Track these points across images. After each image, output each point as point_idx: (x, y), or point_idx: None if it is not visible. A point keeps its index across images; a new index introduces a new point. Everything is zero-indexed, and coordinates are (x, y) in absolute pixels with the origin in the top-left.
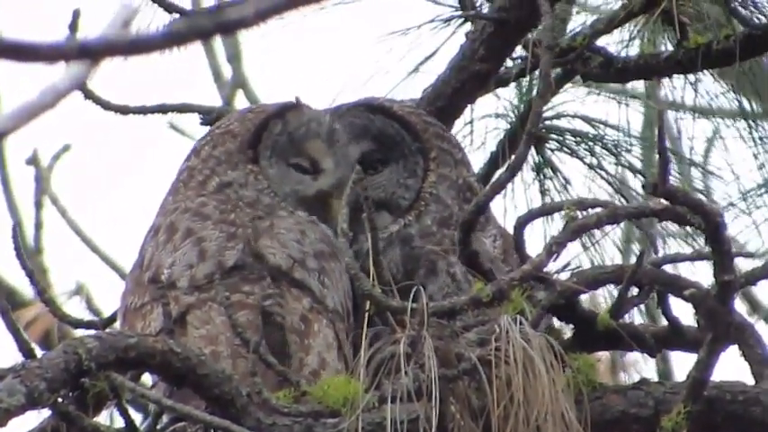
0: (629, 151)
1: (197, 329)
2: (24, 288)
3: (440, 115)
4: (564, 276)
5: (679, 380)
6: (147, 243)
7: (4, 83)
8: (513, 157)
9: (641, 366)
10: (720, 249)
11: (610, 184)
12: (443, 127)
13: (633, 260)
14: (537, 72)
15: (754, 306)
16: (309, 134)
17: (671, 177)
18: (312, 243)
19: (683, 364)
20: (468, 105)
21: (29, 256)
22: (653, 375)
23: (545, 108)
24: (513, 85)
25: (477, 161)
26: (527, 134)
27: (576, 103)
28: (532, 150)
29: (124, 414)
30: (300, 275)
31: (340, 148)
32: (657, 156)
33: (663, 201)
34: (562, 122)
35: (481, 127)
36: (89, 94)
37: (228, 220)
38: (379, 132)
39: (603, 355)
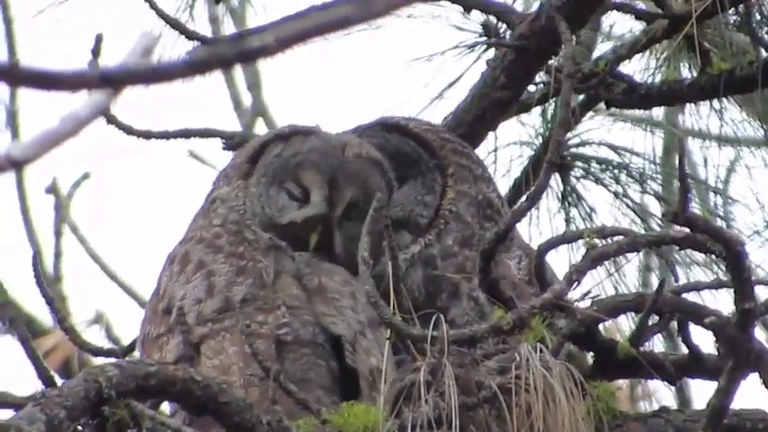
0: (653, 179)
1: (210, 360)
2: (43, 316)
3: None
4: (584, 304)
5: (698, 408)
6: (163, 272)
7: (26, 110)
8: (534, 185)
9: (660, 395)
10: (741, 277)
11: (635, 212)
12: (462, 143)
13: (653, 288)
14: (559, 99)
15: None
16: (307, 163)
17: (692, 205)
18: (364, 309)
19: (702, 392)
20: (490, 132)
21: (48, 285)
22: (672, 404)
23: (570, 135)
24: (536, 110)
25: (503, 188)
26: (547, 162)
27: (601, 130)
28: (557, 178)
29: None
30: (366, 344)
31: (340, 186)
32: (678, 183)
33: (684, 228)
34: (587, 150)
35: (506, 154)
36: (112, 120)
37: (238, 253)
38: (396, 150)
39: (624, 383)
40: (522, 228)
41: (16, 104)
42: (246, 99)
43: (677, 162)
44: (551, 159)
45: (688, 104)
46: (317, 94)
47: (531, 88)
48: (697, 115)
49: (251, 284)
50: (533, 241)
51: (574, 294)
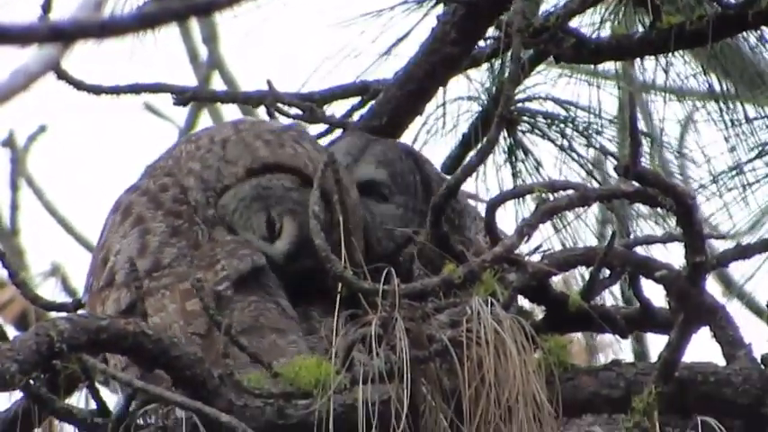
0: (599, 133)
1: (150, 317)
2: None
3: (411, 98)
4: (535, 258)
5: (650, 361)
6: (108, 218)
7: None
8: (484, 140)
9: (617, 348)
10: (692, 231)
11: (581, 166)
12: (453, 208)
13: (605, 242)
14: (509, 54)
15: (729, 286)
16: (294, 212)
17: (642, 160)
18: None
19: (655, 345)
20: (440, 88)
21: (5, 238)
22: (629, 357)
23: (517, 90)
24: (485, 67)
25: (450, 144)
26: (498, 117)
27: (547, 85)
28: (504, 133)
29: (96, 396)
30: None
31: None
32: (629, 138)
33: (634, 183)
34: (534, 105)
35: (453, 109)
36: (62, 75)
37: (176, 212)
38: (401, 174)
39: (577, 336)
40: (469, 183)
41: None
42: (203, 52)
43: (628, 116)
44: (502, 114)
45: (638, 59)
46: (270, 47)
47: (482, 44)
48: (644, 69)
49: (183, 247)
50: (481, 196)
51: (525, 248)
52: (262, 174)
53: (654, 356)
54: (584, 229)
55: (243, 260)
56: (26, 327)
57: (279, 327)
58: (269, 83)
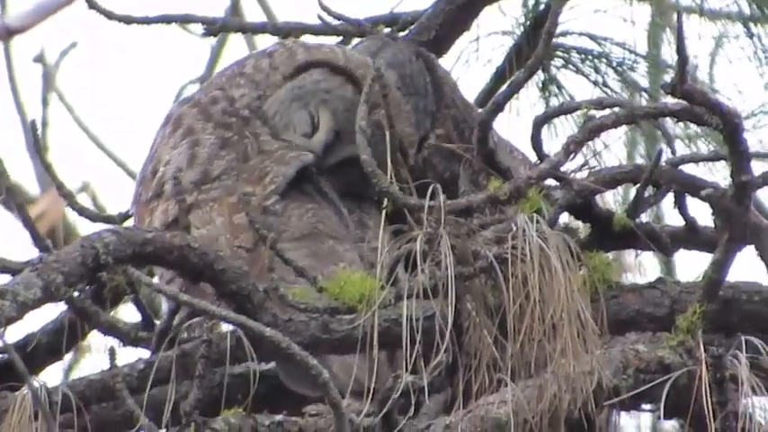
0: (633, 69)
1: (197, 229)
2: (29, 184)
3: (459, 13)
4: (581, 176)
5: (693, 280)
6: (159, 131)
7: None
8: (532, 57)
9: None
10: (738, 150)
11: None
12: (466, 120)
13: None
14: None
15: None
16: (331, 107)
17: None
18: None
19: (699, 264)
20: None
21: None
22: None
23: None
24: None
25: (485, 77)
26: (545, 33)
27: (582, 21)
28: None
29: (141, 309)
30: None
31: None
32: (677, 56)
33: (681, 101)
34: (568, 40)
35: (488, 44)
36: (92, 4)
37: (226, 124)
38: (410, 75)
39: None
40: (502, 119)
41: None
42: None
43: (676, 35)
44: (549, 30)
45: None
46: None
47: None
48: None
49: (232, 159)
50: (514, 131)
51: (571, 166)
52: (297, 75)
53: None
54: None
55: (290, 163)
56: (56, 242)
57: (336, 233)
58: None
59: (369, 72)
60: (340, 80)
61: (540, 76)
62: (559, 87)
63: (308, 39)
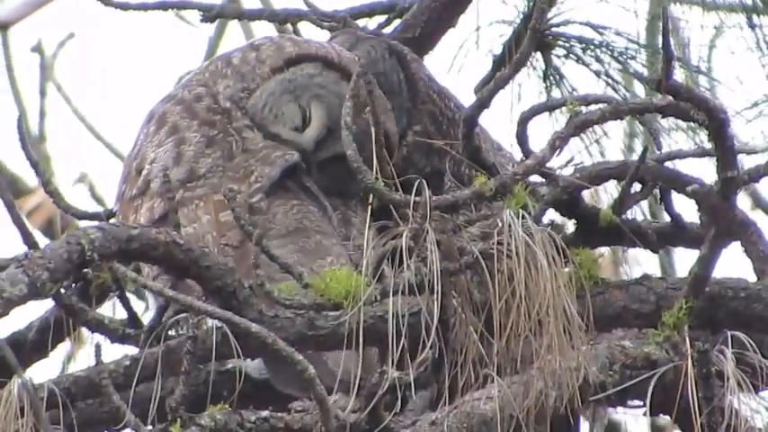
0: (634, 59)
1: (184, 228)
2: (27, 175)
3: (444, 10)
4: (567, 172)
5: (681, 276)
6: (142, 128)
7: None
8: (517, 54)
9: (642, 261)
10: (723, 145)
11: (615, 91)
12: (443, 113)
13: (636, 157)
14: None
15: (757, 202)
16: (325, 101)
17: (675, 74)
18: None
19: (685, 260)
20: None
21: (33, 144)
22: (656, 271)
23: (552, 14)
24: None
25: (485, 68)
26: (531, 30)
27: (583, 10)
28: (540, 58)
29: (127, 305)
30: None
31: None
32: (661, 51)
33: (667, 96)
34: (570, 29)
35: (488, 33)
36: None
37: (210, 121)
38: (384, 74)
39: (605, 250)
40: (504, 108)
41: None
42: None
43: (661, 29)
44: (535, 26)
45: None
46: None
47: None
48: None
49: (218, 157)
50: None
51: (557, 162)
52: (286, 68)
53: (679, 273)
54: (613, 144)
55: (275, 163)
56: (53, 234)
57: (322, 228)
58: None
59: (355, 68)
60: (335, 76)
61: (541, 65)
62: (561, 77)
63: (304, 26)
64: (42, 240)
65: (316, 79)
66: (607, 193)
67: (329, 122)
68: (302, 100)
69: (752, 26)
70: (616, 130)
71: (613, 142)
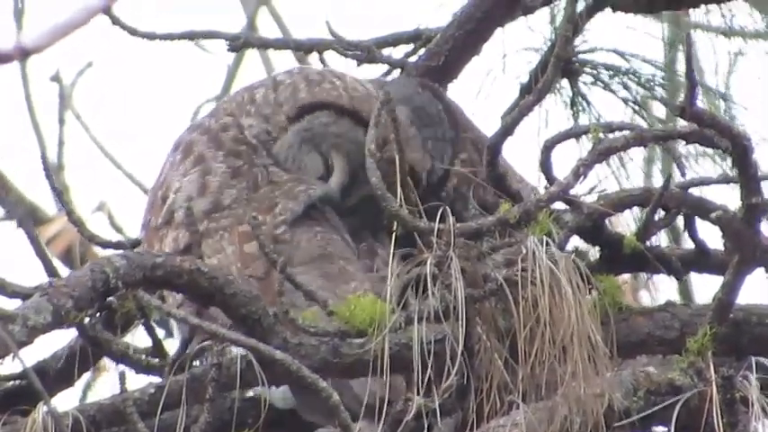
0: (662, 86)
1: (209, 258)
2: (47, 204)
3: (469, 38)
4: (591, 198)
5: (704, 302)
6: (168, 157)
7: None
8: (541, 80)
9: (662, 288)
10: (747, 172)
11: (643, 119)
12: (482, 140)
13: (655, 182)
14: None
15: None
16: (343, 149)
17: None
18: None
19: (709, 286)
20: (500, 32)
21: (52, 173)
22: (675, 298)
23: (578, 42)
24: (545, 17)
25: (512, 94)
26: (555, 57)
27: (611, 37)
28: (566, 85)
29: (151, 333)
30: None
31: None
32: (686, 79)
33: (690, 123)
34: (596, 56)
35: (515, 60)
36: (116, 21)
37: (236, 152)
38: (422, 107)
39: (627, 277)
40: (531, 134)
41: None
42: None
43: (685, 57)
44: (559, 54)
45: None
46: None
47: None
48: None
49: (243, 189)
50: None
51: (580, 188)
52: (301, 117)
53: (699, 299)
54: (636, 170)
55: (298, 198)
56: (72, 262)
57: (345, 254)
58: (327, 24)
59: (374, 104)
60: (348, 123)
61: (567, 92)
62: (588, 103)
63: (329, 55)
64: (62, 269)
65: (331, 128)
66: (624, 220)
67: (350, 169)
68: (322, 148)
69: None
70: (636, 156)
71: (632, 169)
